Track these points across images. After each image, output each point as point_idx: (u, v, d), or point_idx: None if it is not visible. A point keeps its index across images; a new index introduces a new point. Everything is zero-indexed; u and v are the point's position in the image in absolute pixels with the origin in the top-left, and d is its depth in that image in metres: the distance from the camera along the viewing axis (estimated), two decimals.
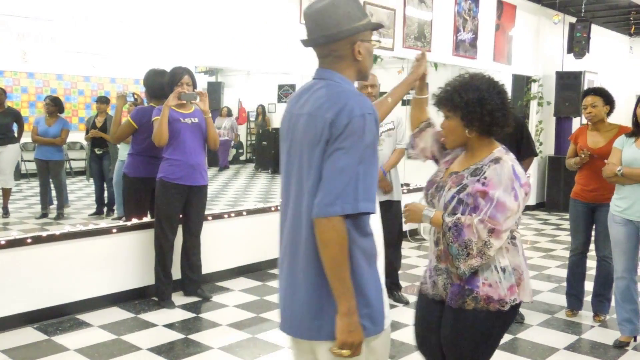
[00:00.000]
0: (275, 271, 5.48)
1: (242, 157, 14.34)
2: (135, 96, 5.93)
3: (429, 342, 2.34)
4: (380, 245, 3.07)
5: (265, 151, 12.51)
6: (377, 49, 6.38)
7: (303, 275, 1.77)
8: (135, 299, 4.55)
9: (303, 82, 9.02)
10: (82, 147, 9.74)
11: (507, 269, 2.14)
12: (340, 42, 1.78)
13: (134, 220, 4.62)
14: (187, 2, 4.78)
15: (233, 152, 13.88)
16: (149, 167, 4.59)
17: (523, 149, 4.26)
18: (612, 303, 4.07)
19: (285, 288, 1.86)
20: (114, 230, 4.48)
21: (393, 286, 4.73)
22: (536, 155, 4.52)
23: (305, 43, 1.85)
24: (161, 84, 4.52)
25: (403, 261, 5.21)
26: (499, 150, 2.19)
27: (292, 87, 11.99)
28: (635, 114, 3.66)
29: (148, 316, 4.26)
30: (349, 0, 1.79)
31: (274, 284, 5.12)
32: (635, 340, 3.88)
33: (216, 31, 4.99)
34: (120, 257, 4.52)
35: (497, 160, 2.13)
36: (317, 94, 1.77)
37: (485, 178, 2.09)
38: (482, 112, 2.12)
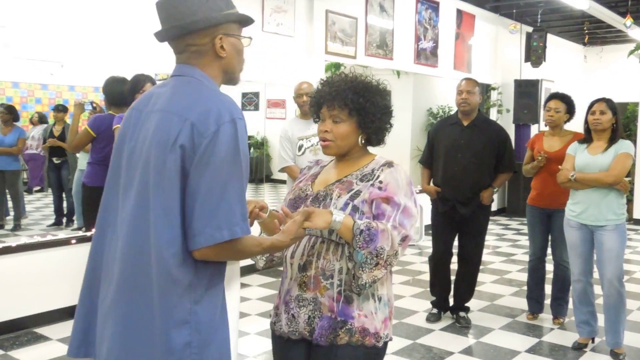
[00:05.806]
0: None
1: None
2: (94, 104, 5.82)
3: None
4: None
5: None
6: (340, 57, 6.52)
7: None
8: None
9: (266, 89, 8.81)
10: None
11: (383, 298, 1.85)
12: (196, 34, 1.51)
13: (94, 231, 4.51)
14: (146, 7, 4.72)
15: None
16: None
17: (503, 163, 4.23)
18: (570, 305, 4.16)
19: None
20: (73, 241, 4.37)
21: None
22: (514, 171, 4.36)
23: (158, 36, 1.58)
24: (121, 92, 4.45)
25: None
26: (380, 156, 1.93)
27: (256, 94, 11.95)
28: (586, 121, 3.77)
29: None
30: None
31: None
32: (593, 341, 3.97)
33: None
34: (80, 268, 4.39)
35: (390, 165, 1.85)
36: (173, 90, 1.53)
37: (380, 182, 1.80)
38: (383, 119, 1.87)
